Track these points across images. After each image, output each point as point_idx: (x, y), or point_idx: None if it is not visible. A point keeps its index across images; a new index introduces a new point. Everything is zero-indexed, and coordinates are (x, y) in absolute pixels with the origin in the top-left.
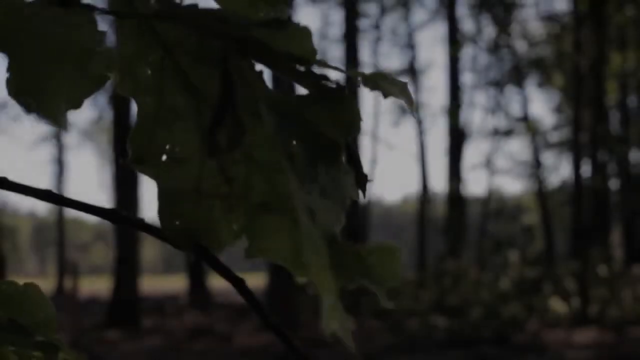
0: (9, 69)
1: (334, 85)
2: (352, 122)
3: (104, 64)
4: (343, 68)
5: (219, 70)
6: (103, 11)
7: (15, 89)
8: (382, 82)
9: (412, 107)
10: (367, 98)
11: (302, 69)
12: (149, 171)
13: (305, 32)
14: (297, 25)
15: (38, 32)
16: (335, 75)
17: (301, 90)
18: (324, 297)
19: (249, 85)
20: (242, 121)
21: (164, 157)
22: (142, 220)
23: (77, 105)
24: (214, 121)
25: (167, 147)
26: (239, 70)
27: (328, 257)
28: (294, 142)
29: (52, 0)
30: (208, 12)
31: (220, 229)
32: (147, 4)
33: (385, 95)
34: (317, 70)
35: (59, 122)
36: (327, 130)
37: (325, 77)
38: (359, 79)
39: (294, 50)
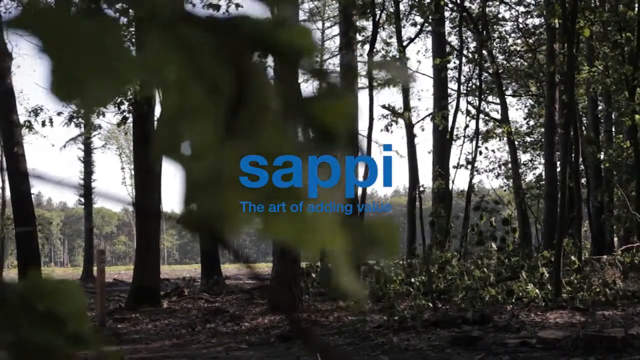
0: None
1: (334, 84)
2: (348, 115)
3: (130, 66)
4: (355, 65)
5: (236, 67)
6: (131, 18)
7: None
8: (386, 66)
9: (407, 80)
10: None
11: (308, 68)
12: (172, 162)
13: (305, 29)
14: (298, 24)
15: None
16: (334, 76)
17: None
18: (337, 263)
19: (259, 80)
20: (260, 108)
21: (186, 150)
22: (162, 210)
23: (105, 102)
24: (235, 108)
25: (189, 139)
26: (252, 66)
27: (341, 232)
28: (299, 130)
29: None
30: (223, 16)
31: (235, 215)
32: (170, 10)
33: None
34: (321, 71)
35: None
36: (327, 121)
37: (326, 76)
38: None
39: (296, 45)
